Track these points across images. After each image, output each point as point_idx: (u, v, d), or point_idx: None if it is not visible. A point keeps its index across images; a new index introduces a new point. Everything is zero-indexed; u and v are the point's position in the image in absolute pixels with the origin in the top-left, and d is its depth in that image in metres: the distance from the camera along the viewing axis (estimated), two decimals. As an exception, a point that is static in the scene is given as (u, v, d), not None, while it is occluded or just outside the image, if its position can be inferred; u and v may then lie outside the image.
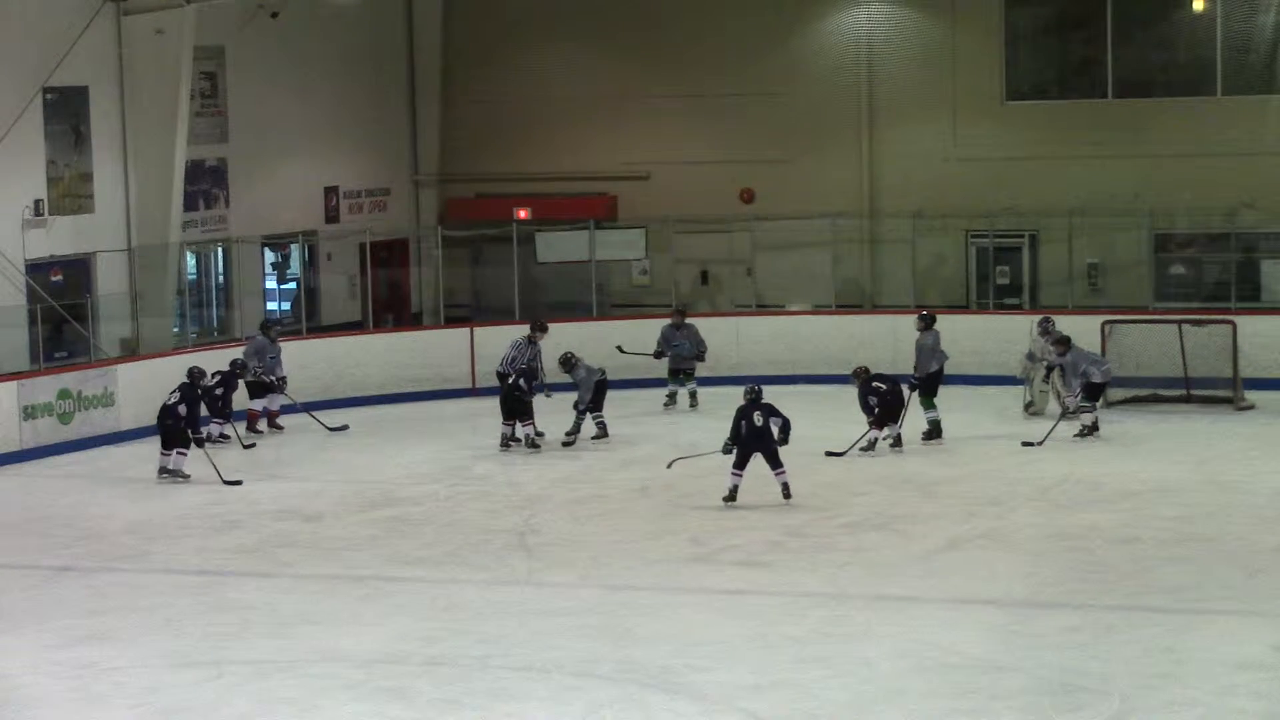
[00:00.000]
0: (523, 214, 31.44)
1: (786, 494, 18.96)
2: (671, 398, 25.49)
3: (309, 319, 28.94)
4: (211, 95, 28.41)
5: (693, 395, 25.47)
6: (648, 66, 31.62)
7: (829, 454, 21.42)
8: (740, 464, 18.96)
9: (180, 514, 19.48)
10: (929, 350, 22.72)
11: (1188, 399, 24.79)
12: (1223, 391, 24.71)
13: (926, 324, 23.00)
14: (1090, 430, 22.45)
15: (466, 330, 27.93)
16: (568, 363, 23.03)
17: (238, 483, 20.74)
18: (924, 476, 20.50)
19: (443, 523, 18.89)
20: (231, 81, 28.71)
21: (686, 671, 13.39)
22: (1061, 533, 17.65)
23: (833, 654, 13.81)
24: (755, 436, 18.93)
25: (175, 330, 26.95)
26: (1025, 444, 22.08)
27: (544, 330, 23.91)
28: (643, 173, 31.67)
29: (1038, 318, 24.68)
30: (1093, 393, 22.67)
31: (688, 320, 25.88)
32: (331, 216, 31.00)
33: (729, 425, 19.33)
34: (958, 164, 30.02)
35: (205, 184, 28.26)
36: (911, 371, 22.79)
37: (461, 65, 32.64)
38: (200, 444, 21.13)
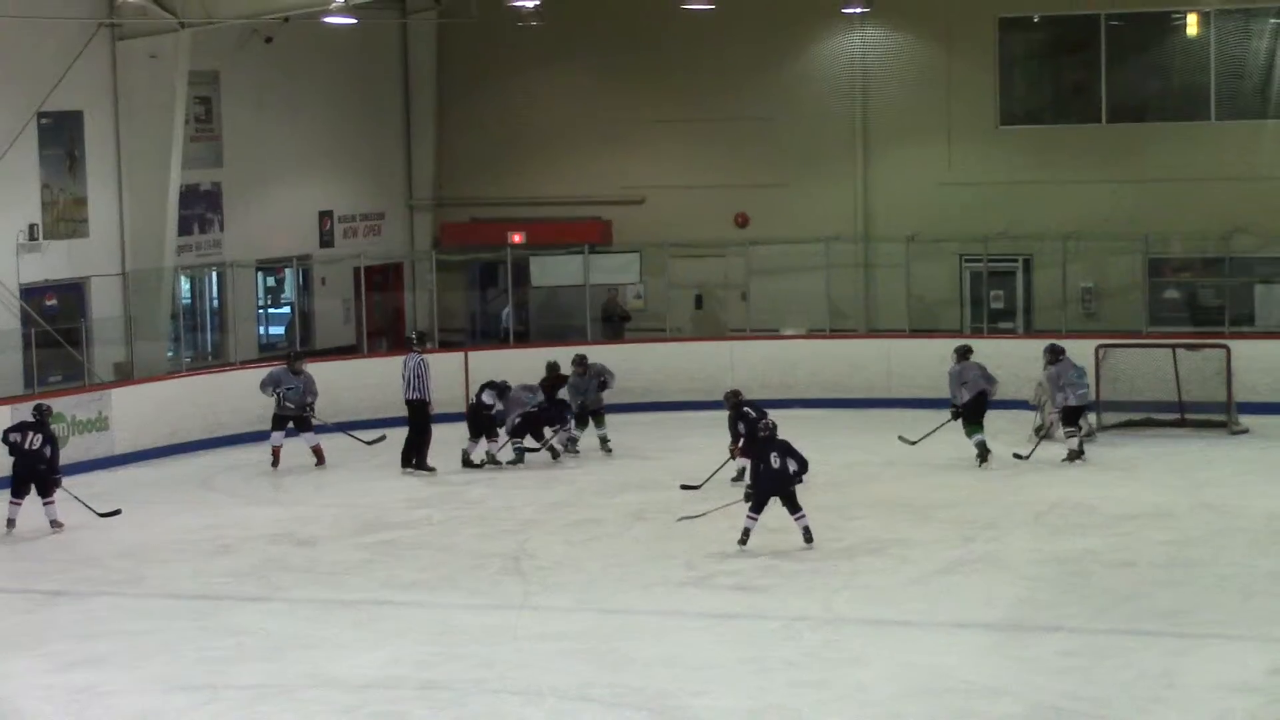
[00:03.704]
0: (517, 238, 31.41)
1: (808, 538, 18.08)
2: (573, 443, 23.80)
3: (303, 343, 28.90)
4: (206, 120, 28.43)
5: (603, 441, 23.87)
6: (642, 91, 31.67)
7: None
8: (757, 508, 18.09)
9: (175, 538, 19.44)
10: (955, 379, 22.77)
11: (1182, 423, 24.80)
12: (1217, 416, 24.74)
13: (959, 356, 22.95)
14: (1075, 456, 22.46)
15: (461, 355, 27.91)
16: (498, 389, 23.02)
17: (115, 512, 20.33)
18: (920, 500, 20.48)
19: (437, 547, 18.86)
20: (226, 106, 28.74)
21: (682, 695, 13.37)
22: (1057, 557, 17.63)
23: (828, 678, 13.79)
24: (774, 479, 18.07)
25: (169, 354, 26.93)
26: (1016, 455, 22.43)
27: (423, 342, 24.13)
28: (637, 197, 31.68)
29: (1046, 344, 24.39)
30: (1070, 417, 22.66)
31: (590, 361, 24.45)
32: (326, 241, 31.02)
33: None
34: (952, 188, 30.06)
35: (200, 208, 28.26)
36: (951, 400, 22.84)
37: (456, 90, 32.70)
38: (59, 484, 19.99)
